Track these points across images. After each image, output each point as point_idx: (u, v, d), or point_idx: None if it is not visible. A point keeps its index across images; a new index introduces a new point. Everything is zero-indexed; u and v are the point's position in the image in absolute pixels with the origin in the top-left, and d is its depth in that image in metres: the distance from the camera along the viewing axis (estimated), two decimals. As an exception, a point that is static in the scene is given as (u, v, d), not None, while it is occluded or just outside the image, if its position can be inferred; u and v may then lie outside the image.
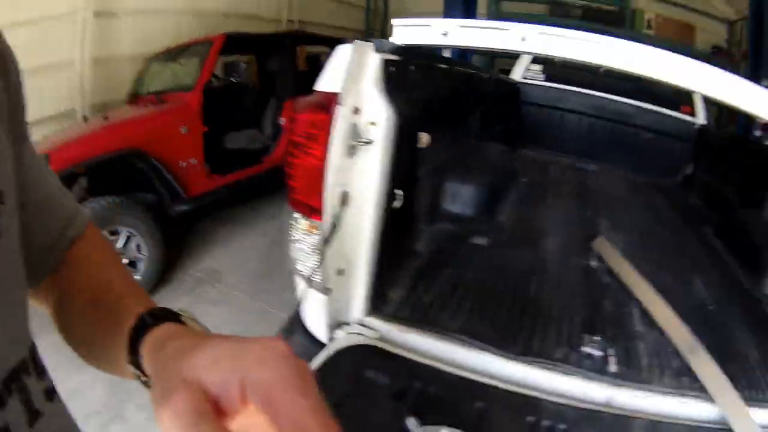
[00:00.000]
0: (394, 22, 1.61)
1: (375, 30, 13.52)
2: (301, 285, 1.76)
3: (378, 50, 1.52)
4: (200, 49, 5.40)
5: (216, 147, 5.33)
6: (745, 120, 7.27)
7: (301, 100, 1.54)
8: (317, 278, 1.63)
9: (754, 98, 1.30)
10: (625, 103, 5.22)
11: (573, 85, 5.36)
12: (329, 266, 1.61)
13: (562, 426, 1.40)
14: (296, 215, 1.63)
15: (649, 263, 2.54)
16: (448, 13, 6.95)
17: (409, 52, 1.70)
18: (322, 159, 1.45)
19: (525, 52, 1.43)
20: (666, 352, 1.78)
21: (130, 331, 0.59)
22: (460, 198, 2.74)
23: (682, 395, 1.55)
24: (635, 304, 2.11)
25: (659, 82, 1.48)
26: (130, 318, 0.61)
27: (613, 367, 1.66)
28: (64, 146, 4.17)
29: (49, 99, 5.90)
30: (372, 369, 1.51)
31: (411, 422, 1.32)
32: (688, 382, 1.60)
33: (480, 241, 2.51)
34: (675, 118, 5.15)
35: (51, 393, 0.54)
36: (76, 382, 3.17)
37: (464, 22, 1.52)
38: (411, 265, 2.10)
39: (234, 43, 5.65)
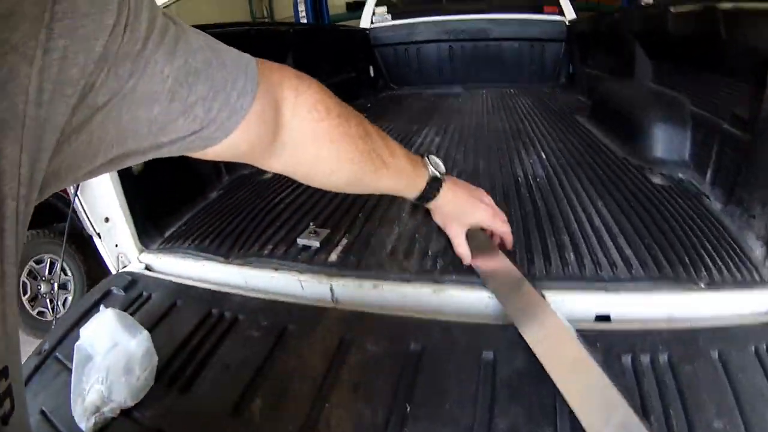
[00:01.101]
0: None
1: (262, 17, 13.52)
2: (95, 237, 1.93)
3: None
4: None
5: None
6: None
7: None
8: (88, 226, 1.85)
9: None
10: (480, 19, 5.21)
11: (421, 16, 5.36)
12: (94, 215, 1.81)
13: (241, 316, 1.40)
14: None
15: (465, 154, 2.59)
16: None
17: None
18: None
19: None
20: (426, 236, 1.64)
21: (424, 187, 1.27)
22: None
23: (434, 281, 1.41)
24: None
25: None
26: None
27: (333, 257, 1.59)
28: None
29: None
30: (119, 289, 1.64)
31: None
32: (442, 265, 1.47)
33: (267, 176, 2.50)
34: (540, 20, 5.12)
35: (7, 417, 0.52)
36: None
37: None
38: (195, 207, 2.20)
39: None
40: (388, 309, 1.37)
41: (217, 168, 2.50)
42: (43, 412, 1.17)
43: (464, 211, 1.37)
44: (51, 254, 4.39)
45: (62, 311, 4.39)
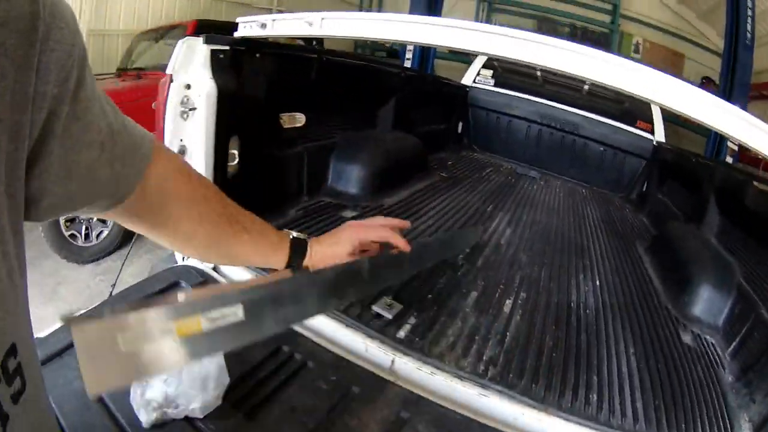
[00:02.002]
0: (239, 19, 2.05)
1: (369, 7, 13.68)
2: None
3: (206, 42, 1.94)
4: (179, 32, 5.74)
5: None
6: (714, 142, 7.44)
7: (161, 80, 1.97)
8: None
9: (725, 116, 1.27)
10: (575, 114, 5.25)
11: (522, 92, 5.44)
12: None
13: (311, 364, 1.49)
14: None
15: (533, 259, 2.64)
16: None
17: (243, 42, 2.09)
18: (162, 120, 1.92)
19: (317, 36, 1.70)
20: (485, 338, 1.77)
21: (290, 248, 1.20)
22: (345, 176, 2.93)
23: (482, 386, 1.52)
24: (479, 288, 2.13)
25: (613, 96, 1.45)
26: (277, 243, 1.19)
27: (401, 333, 1.70)
28: None
29: None
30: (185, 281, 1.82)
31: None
32: (493, 373, 1.59)
33: (348, 214, 2.67)
34: (630, 133, 5.14)
35: (18, 396, 0.52)
36: (43, 313, 3.63)
37: (278, 16, 1.92)
38: (272, 222, 2.27)
39: (206, 28, 5.78)
40: (439, 397, 1.48)
41: (300, 186, 2.68)
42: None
43: (339, 239, 1.30)
44: None
45: (94, 242, 4.67)
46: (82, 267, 4.63)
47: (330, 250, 1.26)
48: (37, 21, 0.49)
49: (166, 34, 6.12)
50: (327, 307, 1.02)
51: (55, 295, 4.21)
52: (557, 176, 5.26)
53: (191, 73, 1.94)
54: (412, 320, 1.79)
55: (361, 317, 1.73)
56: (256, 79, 2.21)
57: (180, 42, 1.94)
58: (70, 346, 1.41)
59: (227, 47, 2.02)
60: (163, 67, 5.28)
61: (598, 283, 2.52)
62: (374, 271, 1.22)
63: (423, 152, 3.94)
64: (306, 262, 1.22)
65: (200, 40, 1.95)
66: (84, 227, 4.56)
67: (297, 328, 1.65)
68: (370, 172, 3.00)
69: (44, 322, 3.46)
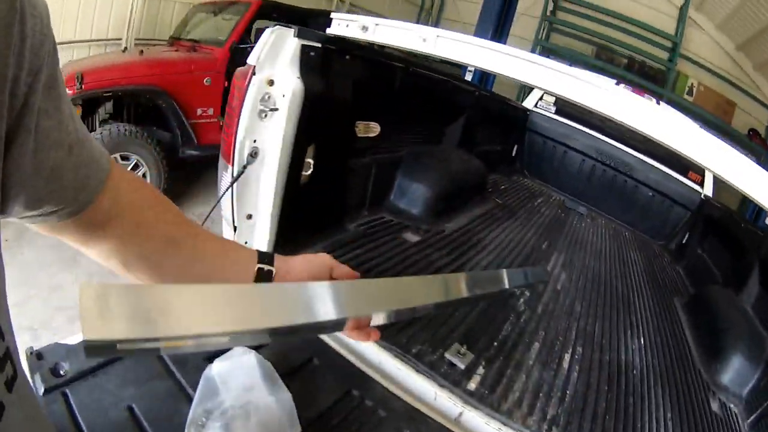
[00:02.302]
0: (334, 15, 1.83)
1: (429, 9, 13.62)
2: (224, 224, 1.99)
3: (298, 36, 1.73)
4: (240, 9, 5.62)
5: (233, 104, 5.53)
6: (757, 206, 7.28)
7: (240, 69, 1.75)
8: (229, 216, 1.88)
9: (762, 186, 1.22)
10: (631, 155, 5.17)
11: (582, 124, 5.35)
12: (239, 209, 1.83)
13: (382, 413, 1.45)
14: (224, 163, 1.87)
15: (587, 310, 2.63)
16: (479, 32, 7.02)
17: (336, 41, 1.89)
18: (238, 115, 1.70)
19: (426, 53, 1.54)
20: (548, 395, 1.77)
21: (254, 279, 0.95)
22: (409, 195, 2.85)
23: None
24: (541, 339, 2.12)
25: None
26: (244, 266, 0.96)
27: (471, 385, 1.67)
28: (98, 70, 4.52)
29: (99, 23, 6.31)
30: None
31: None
32: None
33: (411, 237, 2.58)
34: (680, 182, 5.06)
35: (11, 383, 0.52)
36: (62, 278, 3.82)
37: (383, 21, 1.69)
38: (332, 237, 2.25)
39: (270, 9, 5.86)
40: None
41: (362, 199, 2.57)
42: (131, 409, 1.20)
43: (311, 259, 1.10)
44: (139, 157, 4.47)
45: None
46: (105, 235, 4.43)
47: (300, 267, 1.06)
48: (15, 3, 0.48)
49: (226, 8, 5.92)
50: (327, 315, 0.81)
51: (74, 263, 4.05)
52: (603, 214, 5.18)
53: (276, 68, 1.73)
54: (481, 371, 1.76)
55: (433, 365, 1.69)
56: (343, 83, 2.01)
57: (268, 30, 1.73)
58: (102, 366, 1.32)
59: (319, 44, 1.82)
60: (219, 42, 5.23)
61: (642, 341, 2.54)
62: (393, 292, 1.01)
63: (484, 176, 3.91)
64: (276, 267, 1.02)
65: (291, 31, 1.75)
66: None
67: (368, 371, 1.60)
68: (435, 193, 2.91)
69: (62, 291, 3.38)
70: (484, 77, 6.78)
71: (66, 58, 5.78)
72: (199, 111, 5.13)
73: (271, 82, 1.70)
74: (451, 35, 1.57)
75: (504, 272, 1.59)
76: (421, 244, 2.55)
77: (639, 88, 6.32)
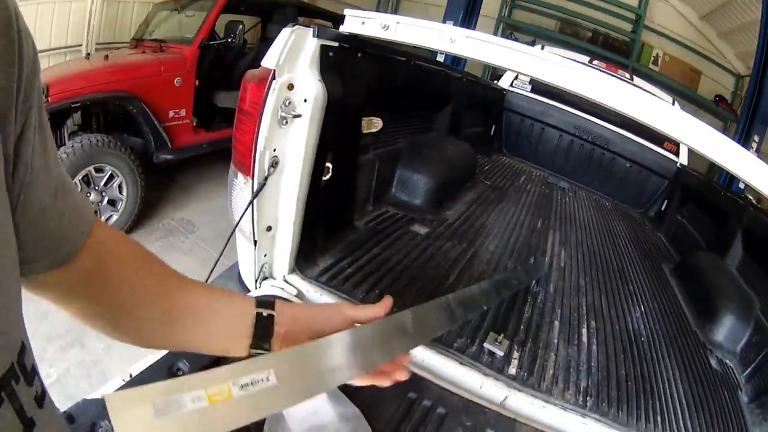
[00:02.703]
0: (347, 11, 1.77)
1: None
2: (238, 236, 1.93)
3: (317, 36, 1.66)
4: (205, 5, 5.47)
5: (205, 103, 5.45)
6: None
7: (251, 72, 1.68)
8: (247, 230, 1.81)
9: (735, 159, 1.31)
10: (607, 128, 5.27)
11: (558, 101, 5.40)
12: (259, 221, 1.77)
13: (441, 410, 1.47)
14: (236, 172, 1.80)
15: (591, 284, 2.78)
16: (448, 15, 6.96)
17: (352, 40, 1.82)
18: (257, 124, 1.63)
19: (452, 53, 1.50)
20: (577, 369, 1.91)
21: (253, 326, 0.87)
22: (410, 186, 2.86)
23: (583, 415, 1.65)
24: (559, 317, 2.26)
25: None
26: (237, 314, 0.88)
27: (512, 370, 1.76)
28: (64, 79, 4.30)
29: (57, 31, 6.12)
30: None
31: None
32: (590, 403, 1.72)
33: (420, 229, 2.60)
34: (656, 152, 5.20)
35: (41, 399, 0.52)
36: (46, 306, 3.42)
37: (403, 19, 1.62)
38: (346, 238, 2.23)
39: (237, 3, 5.73)
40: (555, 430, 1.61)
41: (367, 195, 2.56)
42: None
43: (314, 317, 1.02)
44: (114, 168, 4.29)
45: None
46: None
47: (305, 320, 0.98)
48: (12, 23, 0.47)
49: (189, 5, 5.70)
50: (367, 366, 0.85)
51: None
52: (583, 187, 5.33)
53: (297, 72, 1.66)
54: (516, 355, 1.88)
55: (476, 356, 1.78)
56: (356, 82, 1.96)
57: (286, 30, 1.65)
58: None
59: (336, 44, 1.76)
60: (187, 40, 5.09)
61: (642, 309, 2.72)
62: (420, 323, 1.07)
63: (475, 161, 3.97)
64: (277, 322, 0.92)
65: (310, 31, 1.68)
66: (94, 211, 4.21)
67: (417, 371, 1.60)
68: (436, 183, 2.95)
69: (49, 317, 3.23)
70: (456, 59, 6.74)
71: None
72: (171, 113, 4.99)
73: (290, 87, 1.63)
74: (480, 36, 1.53)
75: (512, 277, 1.62)
76: (430, 236, 2.59)
77: (610, 63, 6.34)
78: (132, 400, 0.52)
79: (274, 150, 1.67)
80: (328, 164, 1.87)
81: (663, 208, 5.05)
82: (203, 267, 4.18)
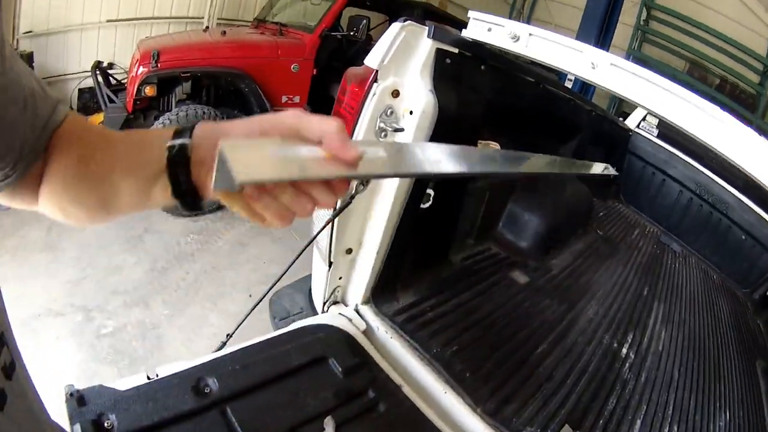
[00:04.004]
0: (472, 14, 1.50)
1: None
2: (314, 252, 1.77)
3: (432, 37, 1.41)
4: (331, -6, 5.39)
5: (321, 94, 5.34)
6: None
7: (352, 69, 1.44)
8: (324, 249, 1.61)
9: None
10: (729, 192, 4.77)
11: (683, 152, 4.99)
12: (338, 242, 1.58)
13: None
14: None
15: (684, 377, 2.49)
16: (581, 36, 6.68)
17: (475, 47, 1.57)
18: (350, 132, 1.38)
19: (591, 81, 1.26)
20: None
21: (169, 149, 0.72)
22: (519, 226, 2.65)
23: None
24: (642, 416, 2.01)
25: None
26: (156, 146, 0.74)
27: None
28: (176, 49, 4.40)
29: (180, 1, 6.34)
30: (334, 356, 1.43)
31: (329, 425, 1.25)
32: None
33: (519, 278, 2.39)
34: None
35: (10, 370, 0.53)
36: (122, 260, 3.58)
37: (537, 30, 1.38)
38: (437, 274, 2.03)
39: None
40: None
41: (471, 227, 2.36)
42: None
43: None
44: None
45: None
46: (176, 220, 4.27)
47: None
48: None
49: (317, -6, 5.65)
50: (456, 169, 0.81)
51: (139, 243, 3.86)
52: (694, 253, 4.87)
53: (405, 77, 1.40)
54: None
55: None
56: (474, 98, 1.69)
57: (396, 25, 1.43)
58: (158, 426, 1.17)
59: (456, 50, 1.49)
60: (308, 28, 5.01)
61: (727, 417, 2.42)
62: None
63: (591, 208, 3.78)
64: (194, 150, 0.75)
65: (425, 30, 1.43)
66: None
67: None
68: (547, 227, 2.70)
69: (120, 273, 3.17)
70: (585, 87, 6.45)
71: (143, 34, 5.72)
72: (284, 98, 4.97)
73: (395, 93, 1.38)
74: (628, 66, 1.31)
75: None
76: (530, 287, 2.35)
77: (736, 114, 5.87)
78: (249, 146, 0.59)
79: (367, 164, 1.43)
80: (430, 191, 1.62)
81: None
82: (289, 258, 3.96)
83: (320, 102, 5.27)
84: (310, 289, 1.92)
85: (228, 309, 3.31)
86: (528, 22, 13.27)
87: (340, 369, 1.40)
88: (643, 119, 5.17)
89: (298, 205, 0.70)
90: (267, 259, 3.98)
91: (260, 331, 3.02)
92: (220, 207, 4.43)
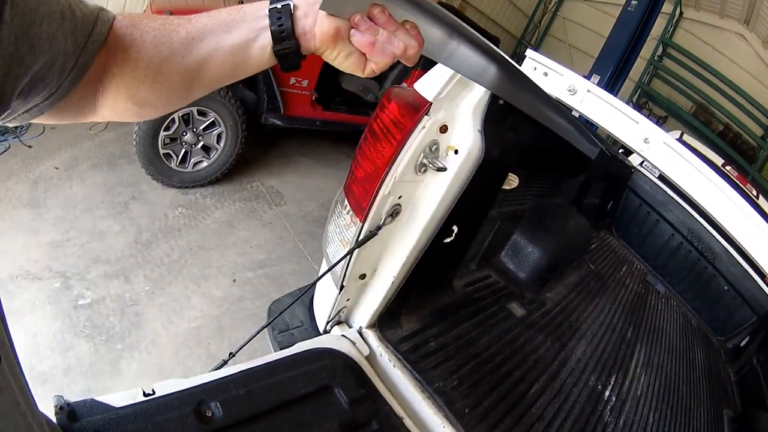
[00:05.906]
0: (529, 53, 1.45)
1: (527, 42, 13.35)
2: (324, 265, 1.70)
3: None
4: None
5: (330, 81, 5.24)
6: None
7: (398, 89, 1.37)
8: (337, 271, 1.56)
9: None
10: (719, 242, 4.88)
11: (681, 197, 4.94)
12: (354, 267, 1.53)
13: None
14: (343, 200, 1.52)
15: (657, 423, 2.55)
16: (596, 69, 6.67)
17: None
18: (390, 162, 1.32)
19: (640, 153, 1.22)
20: None
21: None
22: (521, 257, 2.67)
23: None
24: None
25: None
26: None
27: None
28: (192, 12, 4.15)
29: None
30: (339, 385, 1.39)
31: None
32: None
33: (516, 310, 2.41)
34: (756, 284, 4.69)
35: None
36: (106, 226, 3.55)
37: (596, 89, 1.34)
38: (440, 301, 2.03)
39: None
40: None
41: (476, 253, 2.40)
42: None
43: None
44: (218, 116, 4.13)
45: (188, 169, 4.20)
46: (165, 189, 4.15)
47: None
48: None
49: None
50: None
51: (125, 211, 3.75)
52: (677, 296, 4.99)
53: (456, 113, 1.35)
54: None
55: None
56: (513, 140, 1.64)
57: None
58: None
59: (510, 91, 1.44)
60: None
61: None
62: None
63: (589, 242, 3.82)
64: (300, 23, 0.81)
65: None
66: (183, 150, 4.09)
67: None
68: (547, 262, 2.74)
69: (104, 239, 3.08)
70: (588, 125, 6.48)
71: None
72: (292, 80, 4.83)
73: (443, 129, 1.32)
74: (680, 149, 1.32)
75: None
76: (525, 321, 2.39)
77: (738, 170, 5.96)
78: None
79: (399, 197, 1.37)
80: (455, 227, 1.56)
81: (742, 344, 4.65)
82: (277, 246, 4.02)
83: (328, 89, 5.22)
84: (310, 301, 1.88)
85: (212, 292, 3.24)
86: (543, 37, 13.28)
87: (345, 399, 1.36)
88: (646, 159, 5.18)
89: (390, 43, 0.80)
90: (255, 244, 3.91)
91: (243, 319, 3.00)
92: (212, 182, 4.38)
